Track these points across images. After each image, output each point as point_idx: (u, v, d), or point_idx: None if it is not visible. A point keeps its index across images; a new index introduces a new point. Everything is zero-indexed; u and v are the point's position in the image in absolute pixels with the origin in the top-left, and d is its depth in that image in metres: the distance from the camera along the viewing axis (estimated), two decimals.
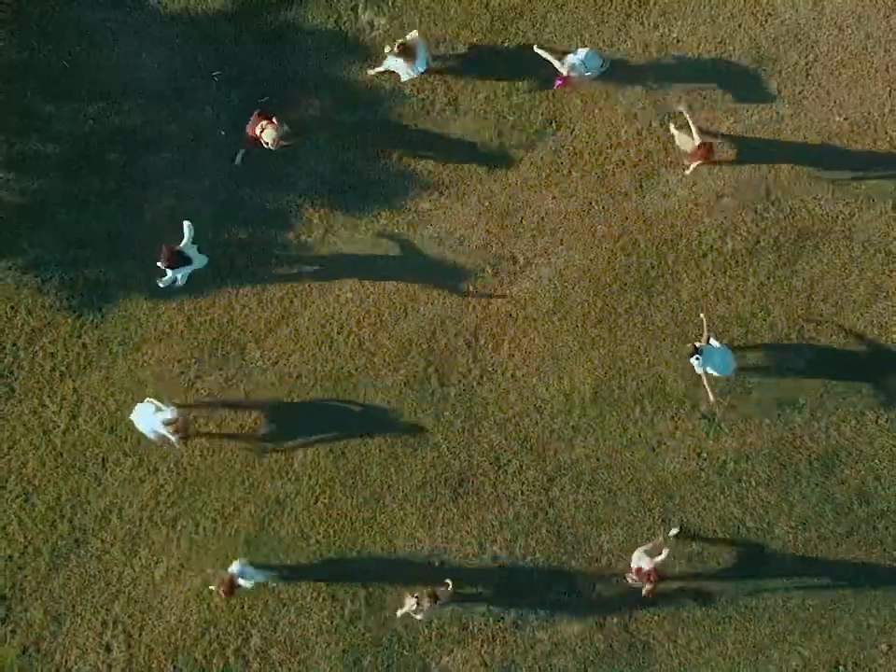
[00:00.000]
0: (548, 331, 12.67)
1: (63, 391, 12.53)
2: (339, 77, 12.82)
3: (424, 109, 12.89)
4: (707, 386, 11.84)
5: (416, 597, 11.55)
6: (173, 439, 11.88)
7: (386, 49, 12.38)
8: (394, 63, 12.39)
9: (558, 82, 12.54)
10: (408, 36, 12.30)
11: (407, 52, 12.18)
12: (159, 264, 11.83)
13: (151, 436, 12.01)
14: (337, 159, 12.86)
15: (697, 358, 11.69)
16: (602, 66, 12.53)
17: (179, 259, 11.89)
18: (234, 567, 11.75)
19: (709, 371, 11.84)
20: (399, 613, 11.95)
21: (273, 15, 13.01)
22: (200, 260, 12.14)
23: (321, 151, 12.85)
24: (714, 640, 12.28)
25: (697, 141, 12.21)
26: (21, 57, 12.85)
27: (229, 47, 12.95)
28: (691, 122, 12.30)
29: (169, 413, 11.80)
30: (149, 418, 11.88)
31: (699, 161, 12.31)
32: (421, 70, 12.42)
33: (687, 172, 12.60)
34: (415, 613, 11.70)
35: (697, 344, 11.79)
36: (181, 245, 11.91)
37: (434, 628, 12.25)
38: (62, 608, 12.25)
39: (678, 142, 12.56)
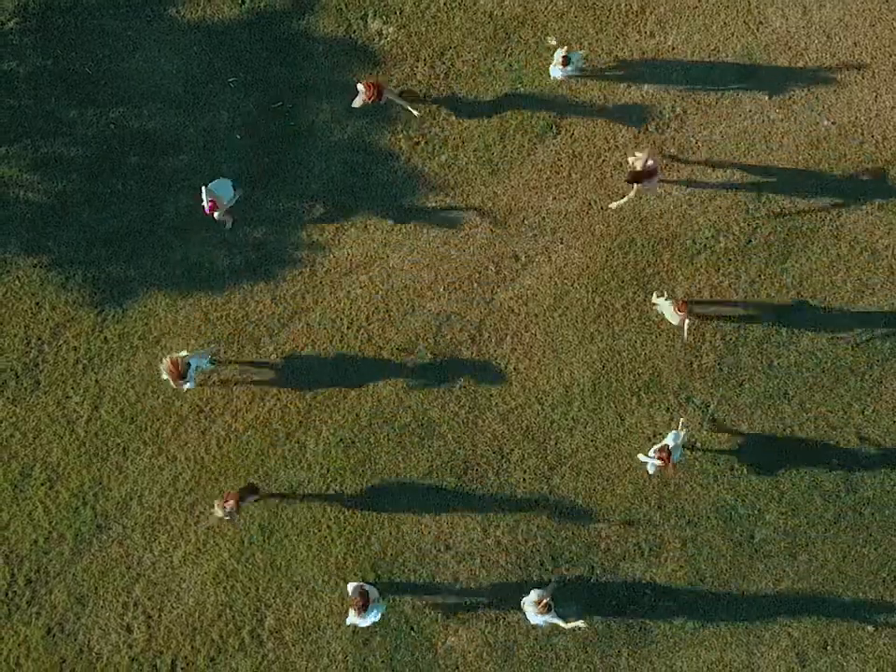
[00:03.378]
0: (549, 326, 12.83)
1: (86, 383, 12.63)
2: (348, 83, 12.90)
3: (430, 114, 13.08)
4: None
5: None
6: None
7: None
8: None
9: None
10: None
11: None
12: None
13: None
14: (347, 161, 13.03)
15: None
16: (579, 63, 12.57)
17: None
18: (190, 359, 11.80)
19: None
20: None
21: (285, 23, 13.21)
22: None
23: (331, 154, 13.02)
24: (707, 621, 12.34)
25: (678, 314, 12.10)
26: (46, 64, 13.03)
27: (244, 54, 13.15)
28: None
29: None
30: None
31: (684, 316, 12.09)
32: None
33: (685, 336, 12.36)
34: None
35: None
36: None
37: (440, 610, 12.34)
38: (84, 590, 12.29)
39: (662, 311, 12.46)
